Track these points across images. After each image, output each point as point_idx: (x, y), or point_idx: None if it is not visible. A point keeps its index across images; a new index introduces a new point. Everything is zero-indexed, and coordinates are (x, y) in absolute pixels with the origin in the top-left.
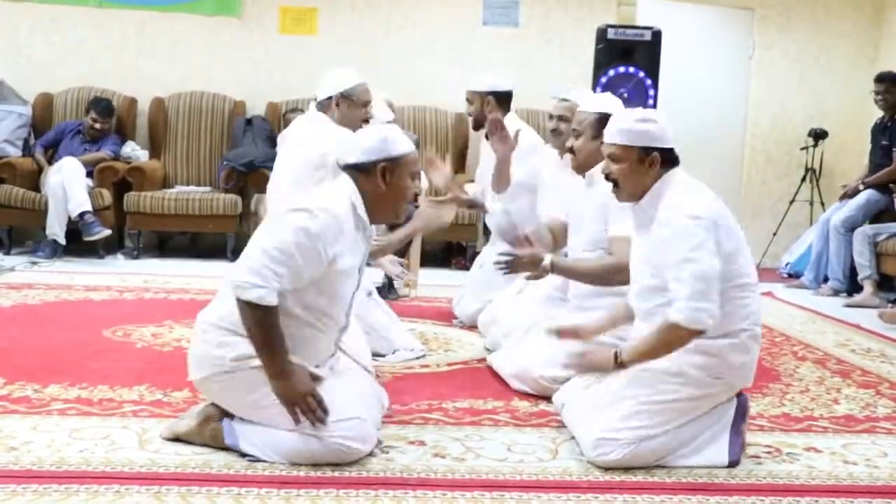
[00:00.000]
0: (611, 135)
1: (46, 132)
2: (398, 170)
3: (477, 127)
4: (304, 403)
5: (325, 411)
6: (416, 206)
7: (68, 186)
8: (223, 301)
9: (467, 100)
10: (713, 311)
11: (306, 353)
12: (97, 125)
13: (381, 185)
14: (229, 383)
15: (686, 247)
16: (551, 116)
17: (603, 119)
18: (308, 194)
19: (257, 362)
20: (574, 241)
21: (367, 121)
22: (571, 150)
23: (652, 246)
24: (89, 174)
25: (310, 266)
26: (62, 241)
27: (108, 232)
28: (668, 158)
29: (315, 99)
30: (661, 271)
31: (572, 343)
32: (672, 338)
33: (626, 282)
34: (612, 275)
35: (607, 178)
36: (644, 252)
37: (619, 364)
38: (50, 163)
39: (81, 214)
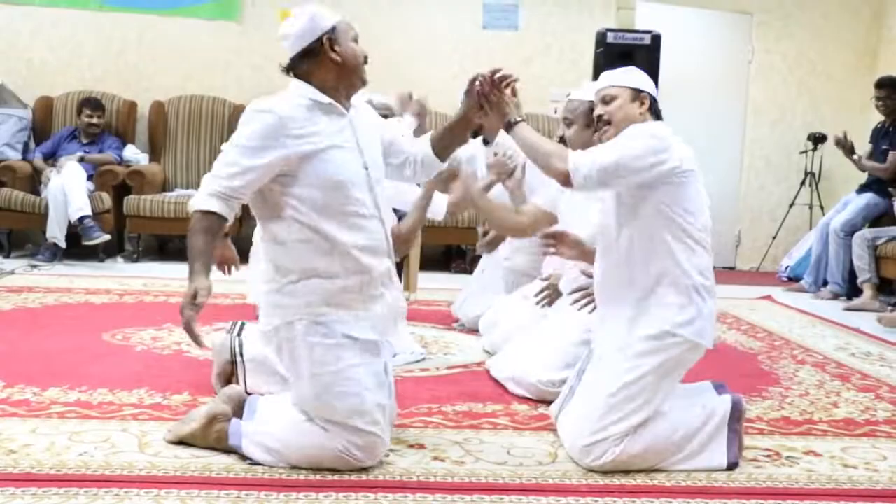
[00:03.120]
0: (604, 81)
1: (46, 138)
2: (340, 37)
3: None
4: (183, 313)
5: (195, 339)
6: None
7: (68, 190)
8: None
9: None
10: (591, 178)
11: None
12: (94, 120)
13: (336, 56)
14: (309, 338)
15: (624, 138)
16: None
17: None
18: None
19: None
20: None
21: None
22: (562, 140)
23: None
24: (90, 176)
25: (265, 162)
26: (62, 245)
27: (107, 237)
28: (655, 107)
29: None
30: (623, 204)
31: (567, 348)
32: (553, 157)
33: None
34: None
35: (599, 119)
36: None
37: (509, 124)
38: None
39: (81, 219)
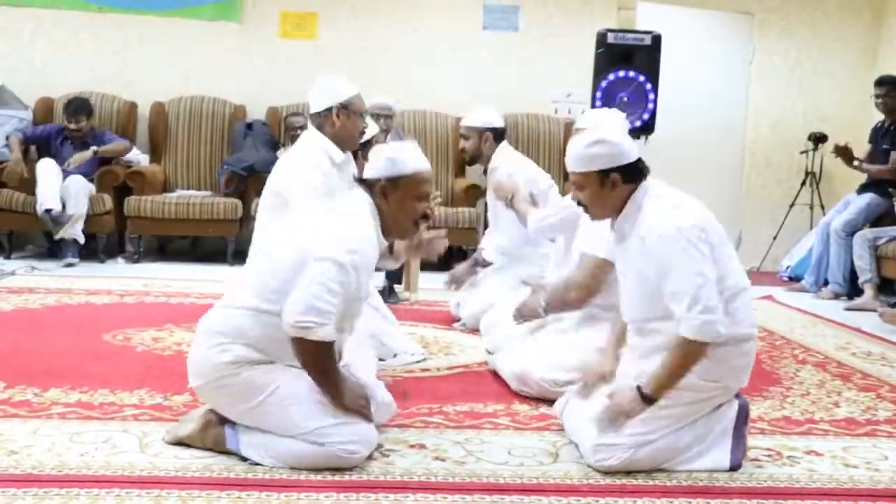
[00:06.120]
0: (569, 163)
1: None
2: (399, 190)
3: (472, 162)
4: (359, 413)
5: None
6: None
7: (39, 183)
8: (224, 307)
9: (462, 135)
10: (722, 320)
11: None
12: (72, 125)
13: (384, 203)
14: (227, 390)
15: (682, 263)
16: None
17: None
18: (338, 215)
19: (252, 368)
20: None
21: (363, 132)
22: None
23: (633, 259)
24: (91, 179)
25: (351, 293)
26: (81, 240)
27: (76, 261)
28: (632, 173)
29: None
30: (649, 284)
31: (578, 354)
32: (688, 353)
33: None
34: (588, 296)
35: (578, 203)
36: (624, 265)
37: (647, 399)
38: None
39: (47, 211)
